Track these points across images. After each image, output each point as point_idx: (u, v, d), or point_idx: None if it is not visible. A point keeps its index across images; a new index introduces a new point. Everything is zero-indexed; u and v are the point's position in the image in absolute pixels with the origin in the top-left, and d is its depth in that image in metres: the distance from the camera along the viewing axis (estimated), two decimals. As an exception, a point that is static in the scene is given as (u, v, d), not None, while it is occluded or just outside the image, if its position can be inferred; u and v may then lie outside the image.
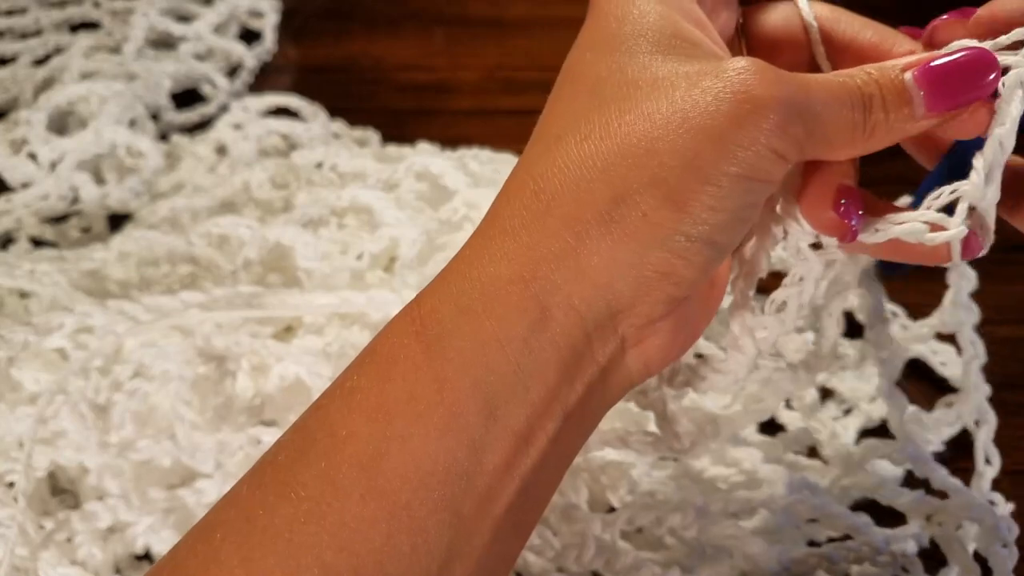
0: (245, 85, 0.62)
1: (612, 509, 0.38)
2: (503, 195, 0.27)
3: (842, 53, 0.29)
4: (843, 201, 0.26)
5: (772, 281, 0.30)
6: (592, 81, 0.26)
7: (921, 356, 0.44)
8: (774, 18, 0.30)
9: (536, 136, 0.27)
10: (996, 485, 0.39)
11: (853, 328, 0.45)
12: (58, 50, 0.64)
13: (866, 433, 0.41)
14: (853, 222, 0.26)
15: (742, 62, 0.24)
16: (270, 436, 0.39)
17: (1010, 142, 0.25)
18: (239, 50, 0.63)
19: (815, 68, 0.29)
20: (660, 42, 0.26)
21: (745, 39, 0.30)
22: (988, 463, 0.40)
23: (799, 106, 0.24)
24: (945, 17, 0.28)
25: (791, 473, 0.38)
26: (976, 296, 0.41)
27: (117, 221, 0.52)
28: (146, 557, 0.37)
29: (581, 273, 0.25)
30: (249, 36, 0.65)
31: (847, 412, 0.42)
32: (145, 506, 0.37)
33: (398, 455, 0.24)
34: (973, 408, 0.40)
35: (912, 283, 0.45)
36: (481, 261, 0.25)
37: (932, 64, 0.25)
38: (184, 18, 0.65)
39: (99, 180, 0.54)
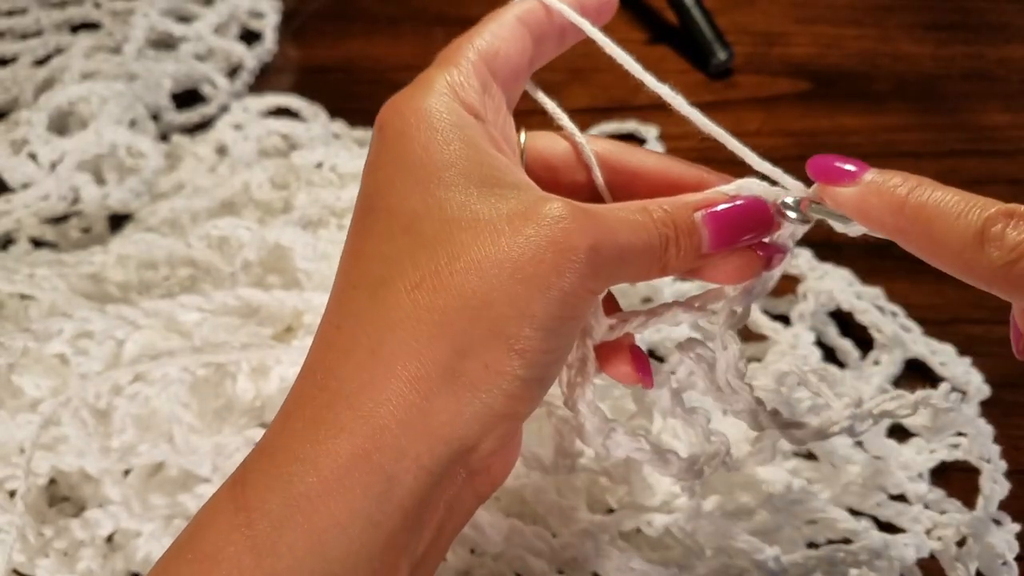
0: (245, 85, 0.62)
1: (611, 510, 0.38)
2: (330, 351, 0.25)
3: (633, 180, 0.30)
4: (637, 359, 0.29)
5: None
6: (408, 218, 0.25)
7: (920, 356, 0.44)
8: (556, 146, 0.31)
9: (351, 277, 0.26)
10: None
11: (854, 328, 0.45)
12: (59, 50, 0.64)
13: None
14: (647, 376, 0.29)
15: (557, 207, 0.25)
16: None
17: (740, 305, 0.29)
18: (239, 50, 0.63)
19: (595, 190, 0.31)
20: (471, 173, 0.26)
21: (526, 160, 0.31)
22: (999, 523, 0.38)
23: (609, 248, 0.25)
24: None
25: (791, 475, 0.38)
26: (977, 295, 0.41)
27: (117, 221, 0.52)
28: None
29: (429, 432, 0.24)
30: (249, 36, 0.65)
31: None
32: (146, 512, 0.37)
33: None
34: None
35: (913, 284, 0.46)
36: (315, 436, 0.24)
37: (719, 210, 0.27)
38: (184, 18, 0.65)
39: (99, 180, 0.54)
